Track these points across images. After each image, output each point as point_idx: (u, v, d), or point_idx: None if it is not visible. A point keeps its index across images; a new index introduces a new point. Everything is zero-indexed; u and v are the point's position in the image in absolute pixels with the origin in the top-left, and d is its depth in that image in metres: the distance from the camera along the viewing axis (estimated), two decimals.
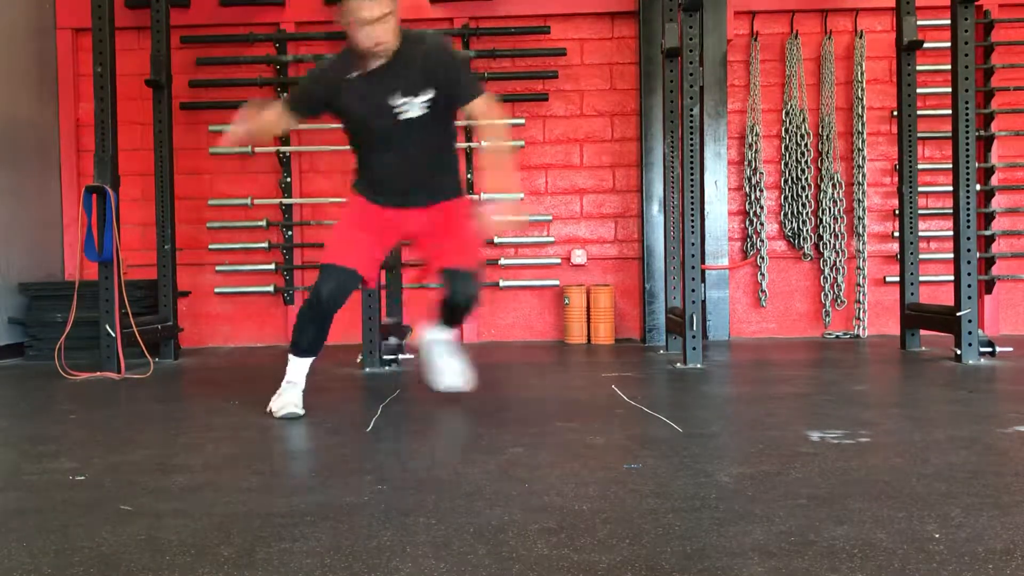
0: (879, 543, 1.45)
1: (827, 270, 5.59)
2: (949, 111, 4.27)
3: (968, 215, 4.09)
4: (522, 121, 5.61)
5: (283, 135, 2.98)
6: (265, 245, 5.63)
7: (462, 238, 2.94)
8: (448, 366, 3.14)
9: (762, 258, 5.59)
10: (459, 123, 5.77)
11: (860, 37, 5.53)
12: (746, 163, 5.60)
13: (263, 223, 5.63)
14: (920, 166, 5.12)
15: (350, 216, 2.96)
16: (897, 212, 5.19)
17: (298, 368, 2.95)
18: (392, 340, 4.36)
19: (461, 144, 5.60)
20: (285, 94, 3.07)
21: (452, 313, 3.02)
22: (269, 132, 3.18)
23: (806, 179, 5.54)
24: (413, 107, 2.73)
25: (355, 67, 2.74)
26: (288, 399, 2.87)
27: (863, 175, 5.53)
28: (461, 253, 2.92)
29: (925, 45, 4.78)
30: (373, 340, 4.11)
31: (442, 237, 2.93)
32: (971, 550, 1.41)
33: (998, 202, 5.55)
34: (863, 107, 5.52)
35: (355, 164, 3.00)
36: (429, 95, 2.73)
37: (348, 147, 3.00)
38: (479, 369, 4.21)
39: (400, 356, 4.26)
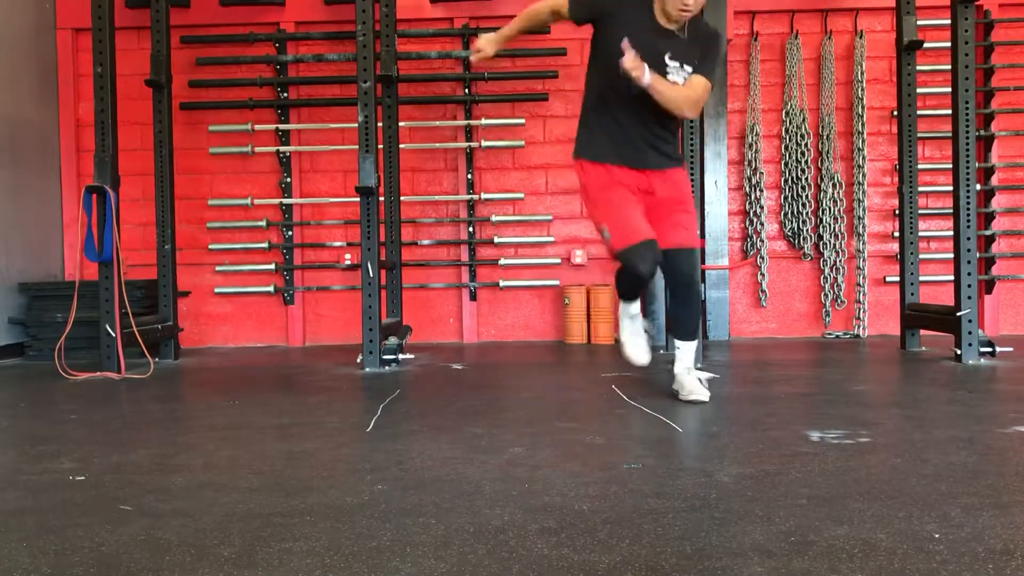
0: (879, 543, 1.45)
1: (827, 270, 5.59)
2: (949, 111, 4.28)
3: (968, 215, 4.09)
4: (522, 121, 5.61)
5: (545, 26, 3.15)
6: (265, 245, 5.63)
7: (688, 214, 3.03)
8: (690, 385, 3.09)
9: (762, 258, 5.59)
10: (460, 123, 5.79)
11: (860, 37, 5.53)
12: (746, 163, 5.60)
13: (263, 223, 5.63)
14: (920, 166, 5.12)
15: (605, 189, 2.98)
16: (897, 212, 5.19)
17: (627, 308, 3.24)
18: (392, 340, 4.36)
19: (461, 144, 5.60)
20: (567, 11, 3.07)
21: (682, 304, 3.07)
22: (538, 22, 3.22)
23: (806, 179, 5.54)
24: (678, 74, 2.87)
25: (650, 14, 2.88)
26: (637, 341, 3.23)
27: (863, 175, 5.53)
28: (688, 230, 3.01)
29: (925, 45, 4.78)
30: (373, 340, 4.11)
31: (672, 210, 2.99)
32: (971, 550, 1.41)
33: (998, 202, 5.55)
34: (863, 107, 5.52)
35: (584, 121, 3.05)
36: (691, 68, 2.89)
37: (583, 88, 3.08)
38: (479, 370, 4.22)
39: (400, 356, 4.26)
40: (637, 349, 3.25)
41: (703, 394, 3.02)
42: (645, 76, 2.75)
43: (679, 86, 2.89)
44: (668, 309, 3.15)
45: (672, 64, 2.87)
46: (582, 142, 3.04)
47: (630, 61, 2.73)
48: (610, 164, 2.97)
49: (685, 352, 3.12)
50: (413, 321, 5.33)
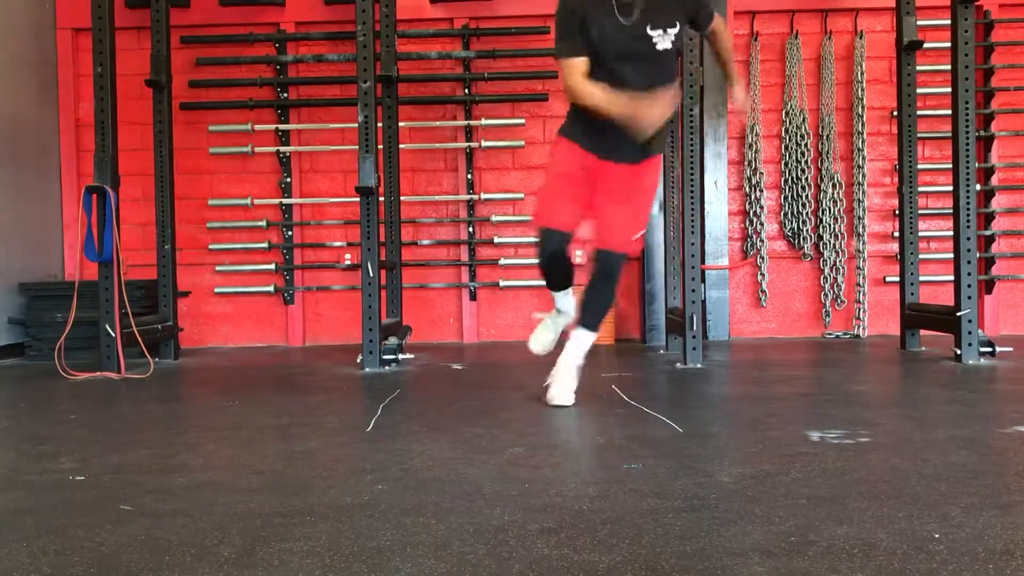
0: (879, 543, 1.45)
1: (827, 270, 5.59)
2: (949, 111, 4.27)
3: (968, 215, 4.09)
4: (522, 121, 5.61)
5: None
6: (265, 245, 5.63)
7: (630, 213, 2.97)
8: (562, 379, 3.04)
9: (762, 258, 5.59)
10: (460, 123, 5.79)
11: (860, 37, 5.53)
12: (746, 163, 5.60)
13: (263, 223, 5.63)
14: (920, 166, 5.12)
15: (556, 164, 3.03)
16: (897, 212, 5.19)
17: (559, 300, 3.19)
18: (392, 340, 4.36)
19: (461, 144, 5.60)
20: (571, 59, 2.91)
21: (588, 302, 3.05)
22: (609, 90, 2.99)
23: (806, 179, 5.54)
24: (665, 39, 2.85)
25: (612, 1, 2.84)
26: (542, 334, 3.22)
27: (863, 175, 5.53)
28: (622, 231, 2.97)
29: (925, 45, 4.78)
30: (373, 340, 4.11)
31: (616, 204, 2.95)
32: (971, 550, 1.41)
33: (998, 202, 5.56)
34: (863, 107, 5.52)
35: (572, 107, 3.05)
36: (677, 27, 2.86)
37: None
38: (479, 370, 4.22)
39: (400, 356, 4.26)
40: (537, 340, 3.27)
41: (567, 399, 2.97)
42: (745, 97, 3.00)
43: (729, 46, 3.07)
44: (582, 293, 3.09)
45: (655, 32, 2.83)
46: (571, 125, 3.07)
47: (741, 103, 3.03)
48: (582, 148, 2.98)
49: (575, 342, 3.05)
50: (413, 321, 5.33)
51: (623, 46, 2.83)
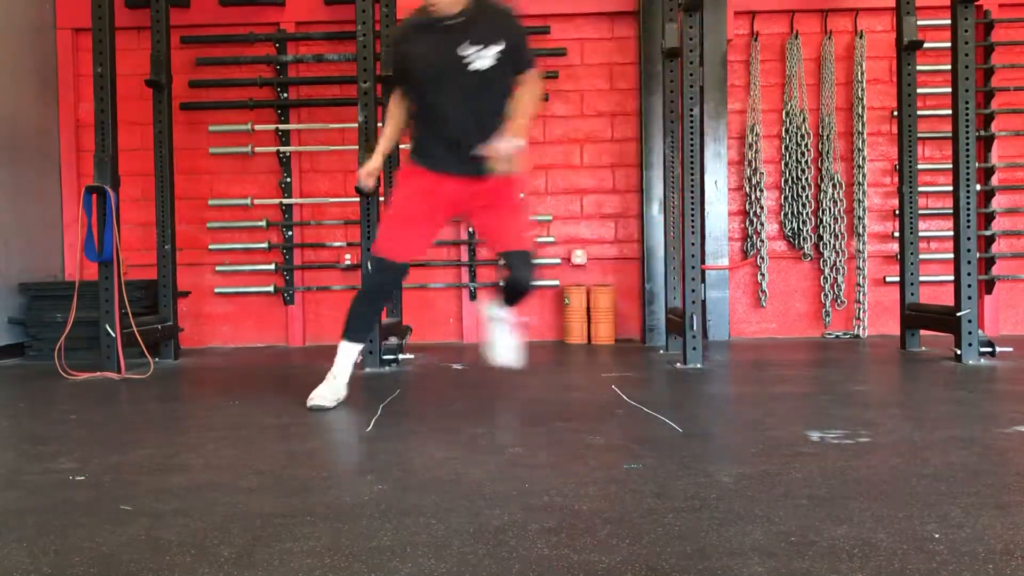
0: (879, 543, 1.45)
1: (827, 270, 5.59)
2: (949, 111, 4.28)
3: (968, 215, 4.09)
4: None
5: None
6: (265, 245, 5.63)
7: (518, 217, 3.05)
8: (505, 344, 3.25)
9: (762, 258, 5.59)
10: None
11: (860, 37, 5.53)
12: (746, 163, 5.60)
13: (263, 223, 5.63)
14: (920, 166, 5.12)
15: (406, 191, 3.03)
16: (897, 212, 5.19)
17: (349, 355, 3.08)
18: (392, 340, 4.36)
19: None
20: (393, 87, 3.11)
21: (512, 295, 3.12)
22: (393, 136, 3.17)
23: (806, 179, 5.54)
24: (484, 58, 2.85)
25: (427, 23, 2.88)
26: (324, 391, 3.02)
27: (863, 175, 5.53)
28: (518, 233, 3.03)
29: (925, 45, 4.78)
30: (373, 340, 4.11)
31: (499, 215, 3.01)
32: (971, 550, 1.41)
33: (998, 202, 5.55)
34: (863, 107, 5.52)
35: (413, 132, 3.05)
36: (500, 47, 2.86)
37: (409, 114, 3.07)
38: (479, 370, 4.22)
39: (400, 356, 4.26)
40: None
41: (511, 357, 3.17)
42: (517, 143, 2.80)
43: (523, 103, 2.92)
44: (504, 288, 3.14)
45: (472, 50, 2.84)
46: (414, 148, 3.05)
47: (497, 157, 2.80)
48: (426, 169, 2.98)
49: (507, 311, 3.21)
50: (413, 321, 5.33)
51: (434, 67, 2.86)
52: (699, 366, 4.00)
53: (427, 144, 2.99)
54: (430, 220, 3.05)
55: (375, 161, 3.09)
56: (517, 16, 3.00)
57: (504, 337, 3.26)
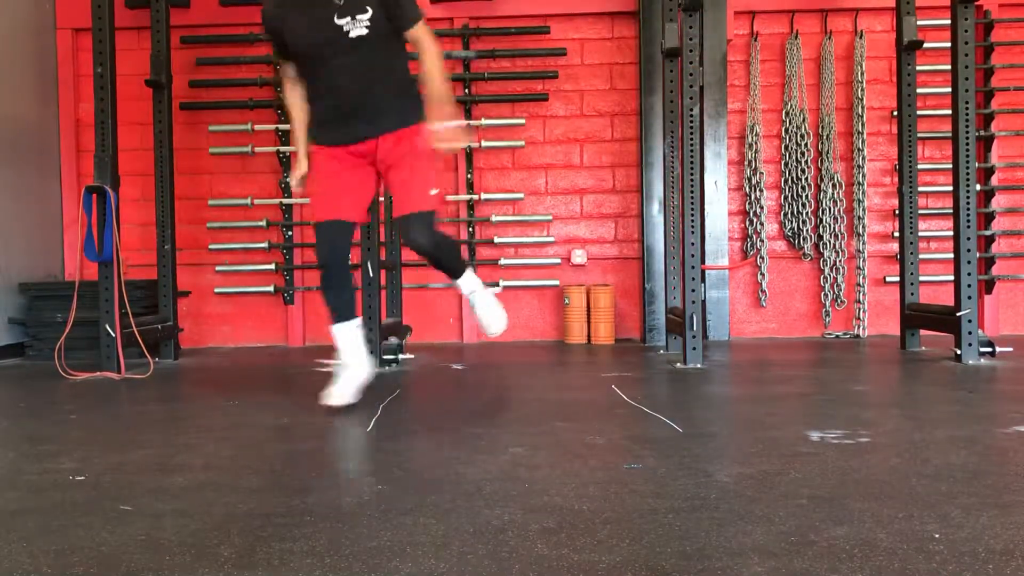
0: (879, 543, 1.45)
1: (827, 270, 5.59)
2: (949, 111, 4.27)
3: (968, 215, 4.09)
4: (522, 121, 5.61)
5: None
6: (265, 245, 5.63)
7: (414, 176, 2.92)
8: (485, 314, 3.18)
9: (762, 258, 5.59)
10: (459, 123, 5.77)
11: (860, 37, 5.53)
12: (746, 163, 5.60)
13: (263, 223, 5.63)
14: (920, 166, 5.11)
15: (318, 167, 2.99)
16: (897, 212, 5.19)
17: (342, 338, 2.99)
18: (392, 340, 4.36)
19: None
20: (283, 69, 3.08)
21: (434, 264, 3.07)
22: (300, 118, 3.08)
23: (806, 179, 5.54)
24: (357, 25, 2.79)
25: None
26: (336, 388, 2.95)
27: (863, 175, 5.53)
28: (412, 195, 2.91)
29: (925, 45, 4.78)
30: (373, 340, 4.11)
31: (397, 175, 2.93)
32: (971, 550, 1.41)
33: (998, 202, 5.55)
34: (863, 107, 5.52)
35: (310, 110, 3.00)
36: (368, 13, 2.79)
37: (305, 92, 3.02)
38: (479, 370, 4.22)
39: (400, 356, 4.26)
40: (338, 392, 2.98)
41: (499, 323, 3.13)
42: (449, 122, 2.79)
43: (429, 72, 2.85)
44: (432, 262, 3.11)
45: (343, 21, 2.79)
46: (311, 129, 3.02)
47: (445, 140, 2.79)
48: (328, 146, 2.96)
49: (463, 285, 3.16)
50: (413, 321, 5.33)
51: (313, 39, 2.81)
52: (699, 366, 4.00)
53: (322, 120, 2.95)
54: (346, 184, 2.95)
55: (302, 166, 3.04)
56: None
57: (480, 307, 3.18)
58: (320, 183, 2.99)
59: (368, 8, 2.78)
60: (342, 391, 2.96)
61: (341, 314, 3.02)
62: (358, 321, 3.06)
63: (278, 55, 3.04)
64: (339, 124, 2.93)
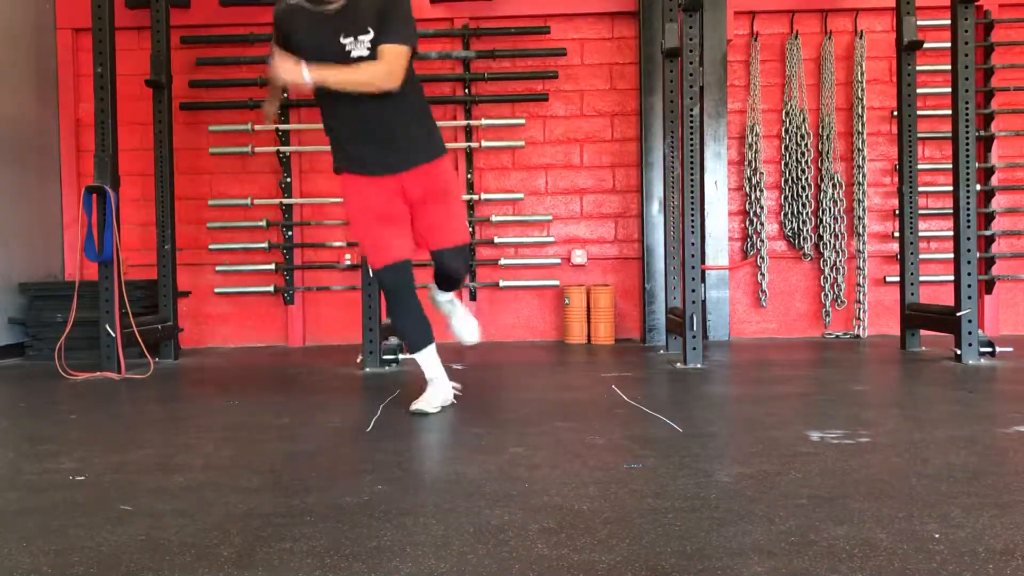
0: (879, 543, 1.45)
1: (827, 270, 5.59)
2: (949, 111, 4.27)
3: (968, 215, 4.09)
4: (522, 121, 5.61)
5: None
6: (265, 245, 5.63)
7: (449, 209, 2.97)
8: (461, 323, 3.32)
9: (762, 258, 5.59)
10: (460, 123, 5.80)
11: (860, 37, 5.53)
12: (746, 163, 5.60)
13: (263, 223, 5.63)
14: (920, 166, 5.11)
15: (352, 203, 2.96)
16: (897, 212, 5.19)
17: (426, 361, 3.03)
18: (392, 340, 4.36)
19: (460, 144, 5.60)
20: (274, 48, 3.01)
21: (447, 285, 3.19)
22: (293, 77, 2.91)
23: (806, 179, 5.54)
24: (359, 46, 2.75)
25: (309, 10, 2.82)
26: (427, 396, 2.96)
27: (863, 175, 5.53)
28: (453, 229, 2.98)
29: (925, 45, 4.78)
30: (373, 340, 4.11)
31: (429, 210, 2.94)
32: (971, 550, 1.41)
33: (998, 202, 5.55)
34: (863, 107, 5.52)
35: (329, 136, 2.98)
36: (370, 35, 2.75)
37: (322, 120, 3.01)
38: (479, 370, 4.22)
39: (400, 356, 4.26)
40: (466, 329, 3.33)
41: (472, 336, 3.28)
42: (303, 76, 2.68)
43: (360, 66, 2.72)
44: (439, 281, 3.20)
45: (347, 41, 2.75)
46: (337, 156, 2.98)
47: (276, 73, 2.72)
48: (361, 175, 2.91)
49: (446, 298, 3.29)
50: None
51: (320, 57, 2.77)
52: (699, 366, 3.99)
53: (345, 147, 2.92)
54: (388, 218, 2.93)
55: (273, 102, 3.12)
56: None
57: (458, 317, 3.31)
58: (359, 220, 2.95)
59: (370, 29, 2.74)
60: (428, 400, 2.94)
61: (417, 343, 3.04)
62: (434, 345, 3.07)
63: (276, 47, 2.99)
64: (366, 154, 2.88)
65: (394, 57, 2.72)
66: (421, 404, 2.90)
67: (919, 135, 4.96)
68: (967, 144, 4.06)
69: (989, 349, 4.07)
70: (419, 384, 3.70)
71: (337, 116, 2.88)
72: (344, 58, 2.76)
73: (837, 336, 5.57)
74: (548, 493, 1.81)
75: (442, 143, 3.00)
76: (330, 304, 5.71)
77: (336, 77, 2.71)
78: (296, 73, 2.69)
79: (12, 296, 5.02)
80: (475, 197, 5.61)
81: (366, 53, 2.75)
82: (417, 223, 2.98)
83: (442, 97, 5.64)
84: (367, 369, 4.10)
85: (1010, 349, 4.27)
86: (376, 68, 2.72)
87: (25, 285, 5.07)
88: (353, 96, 2.76)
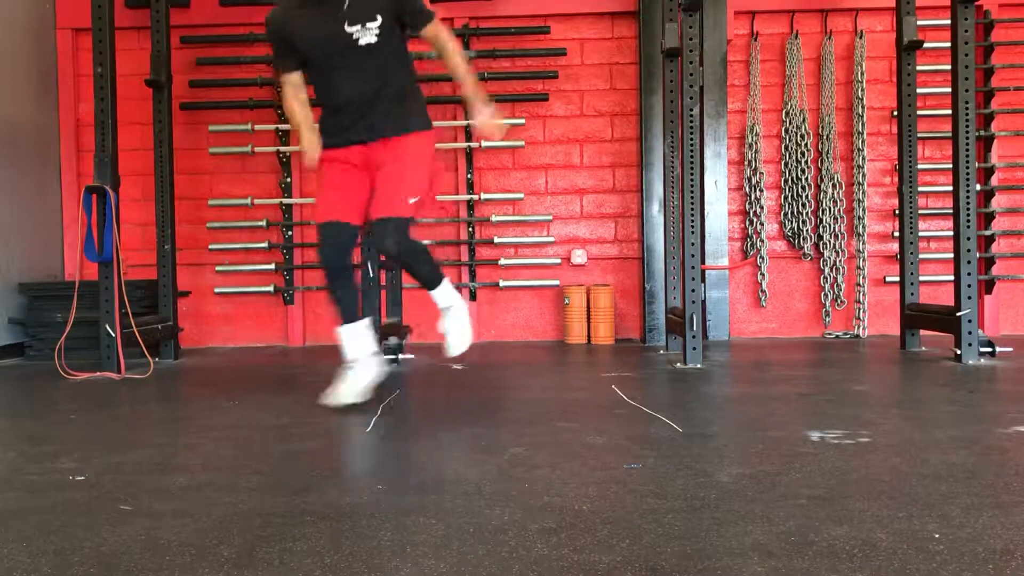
0: (879, 543, 1.45)
1: (827, 270, 5.59)
2: (949, 111, 4.27)
3: (968, 215, 4.09)
4: (522, 121, 5.61)
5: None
6: (265, 245, 5.63)
7: (394, 181, 2.92)
8: (451, 331, 3.16)
9: (762, 258, 5.59)
10: (460, 123, 5.79)
11: (860, 37, 5.53)
12: (746, 163, 5.60)
13: (263, 223, 5.63)
14: (920, 166, 5.12)
15: (327, 169, 3.02)
16: (897, 212, 5.19)
17: (348, 338, 3.02)
18: (392, 340, 4.36)
19: (460, 144, 5.60)
20: (284, 75, 3.08)
21: (406, 270, 3.08)
22: (305, 114, 3.10)
23: (806, 179, 5.54)
24: (367, 33, 2.82)
25: (306, 3, 2.86)
26: (342, 387, 2.97)
27: (863, 175, 5.53)
28: (389, 199, 2.90)
29: (925, 45, 4.78)
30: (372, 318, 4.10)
31: (382, 176, 2.93)
32: (971, 550, 1.41)
33: (998, 202, 5.55)
34: (863, 107, 5.52)
35: (320, 115, 3.05)
36: (378, 22, 2.82)
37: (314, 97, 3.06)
38: (479, 370, 4.22)
39: (400, 356, 4.26)
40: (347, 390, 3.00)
41: (463, 345, 3.12)
42: (489, 107, 2.90)
43: (455, 57, 2.94)
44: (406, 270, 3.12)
45: (353, 28, 2.82)
46: (322, 132, 3.06)
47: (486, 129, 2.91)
48: (336, 147, 2.99)
49: (438, 298, 3.13)
50: (413, 321, 5.32)
51: (324, 47, 2.84)
52: (699, 366, 4.00)
53: (333, 123, 2.99)
54: (345, 184, 2.99)
55: (311, 137, 3.04)
56: None
57: (452, 325, 3.16)
58: (328, 182, 3.02)
59: (378, 16, 2.81)
60: (347, 391, 2.97)
61: (347, 315, 3.04)
62: (367, 322, 3.08)
63: (279, 62, 3.05)
64: (342, 129, 2.97)
65: (441, 29, 2.94)
66: (336, 398, 2.95)
67: (919, 135, 4.96)
68: (967, 144, 4.06)
69: (989, 349, 4.07)
70: (419, 384, 3.71)
71: (329, 94, 2.96)
72: (352, 46, 2.83)
73: (837, 336, 5.57)
74: (548, 493, 1.81)
75: (423, 121, 3.02)
76: (330, 304, 5.70)
77: (469, 80, 2.96)
78: (312, 145, 2.98)
79: (12, 296, 5.02)
80: (475, 197, 5.61)
81: (374, 40, 2.82)
82: (373, 195, 3.00)
83: (442, 97, 5.63)
84: None
85: (1010, 349, 4.27)
86: (451, 46, 2.95)
87: (25, 285, 5.07)
88: (349, 75, 2.87)
